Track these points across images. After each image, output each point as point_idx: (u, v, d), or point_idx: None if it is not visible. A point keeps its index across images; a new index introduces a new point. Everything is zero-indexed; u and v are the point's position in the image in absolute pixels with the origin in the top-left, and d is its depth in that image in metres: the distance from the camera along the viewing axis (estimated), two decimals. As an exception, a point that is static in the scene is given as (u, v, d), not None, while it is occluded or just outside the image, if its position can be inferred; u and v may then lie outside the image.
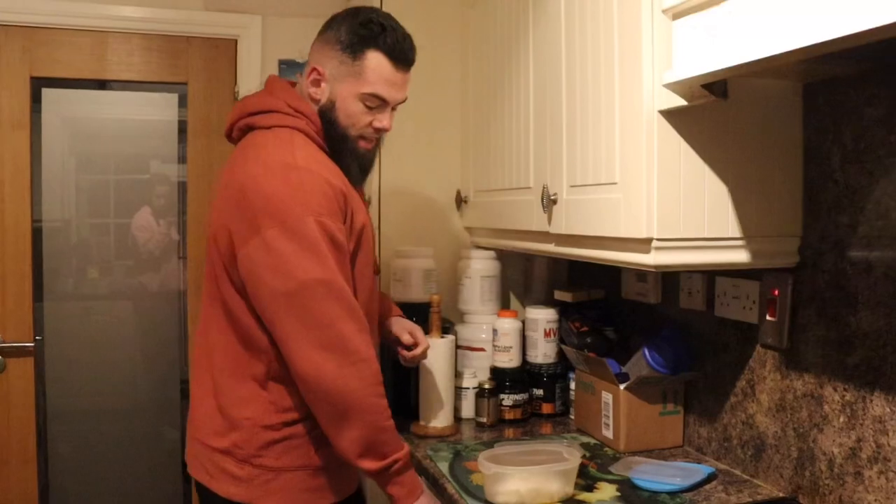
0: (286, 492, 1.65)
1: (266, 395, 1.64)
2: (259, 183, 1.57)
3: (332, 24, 1.74)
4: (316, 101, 1.72)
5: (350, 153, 1.73)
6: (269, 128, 1.69)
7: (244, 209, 1.57)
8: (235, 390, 1.65)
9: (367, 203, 1.85)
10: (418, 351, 2.00)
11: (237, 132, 1.76)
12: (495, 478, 1.64)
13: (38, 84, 2.83)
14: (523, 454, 1.73)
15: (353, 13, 1.73)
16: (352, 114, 1.70)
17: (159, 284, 3.19)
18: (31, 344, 2.76)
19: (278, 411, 1.64)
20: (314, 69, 1.71)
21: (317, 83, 1.71)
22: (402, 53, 1.71)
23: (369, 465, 1.57)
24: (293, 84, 1.79)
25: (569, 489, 1.67)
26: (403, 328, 2.03)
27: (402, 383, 2.32)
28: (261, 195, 1.56)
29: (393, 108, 1.76)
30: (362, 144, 1.75)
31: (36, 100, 2.83)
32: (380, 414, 1.56)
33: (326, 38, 1.72)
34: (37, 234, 2.83)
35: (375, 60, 1.68)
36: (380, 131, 1.75)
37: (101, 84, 3.00)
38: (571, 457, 1.69)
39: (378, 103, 1.71)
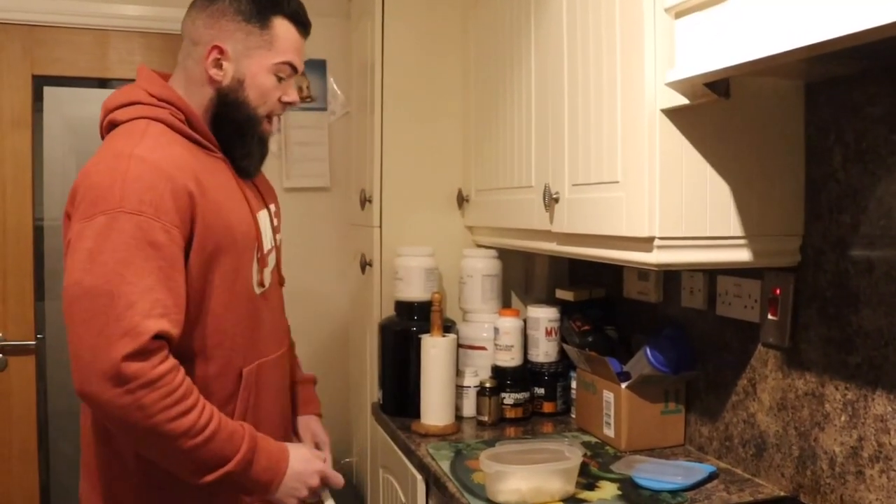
0: None
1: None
2: (88, 174, 1.39)
3: None
4: (216, 84, 1.54)
5: (255, 137, 1.60)
6: (126, 121, 1.49)
7: (72, 206, 1.40)
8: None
9: (261, 200, 1.67)
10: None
11: (104, 132, 1.54)
12: (497, 476, 1.64)
13: (40, 82, 2.83)
14: (525, 452, 1.73)
15: None
16: (265, 90, 1.56)
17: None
18: (33, 342, 2.77)
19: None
20: (215, 47, 1.52)
21: (218, 63, 1.54)
22: (304, 17, 1.61)
23: (208, 480, 1.37)
24: (166, 77, 1.62)
25: (570, 488, 1.67)
26: (310, 434, 1.81)
27: (404, 382, 2.33)
28: (84, 186, 1.38)
29: None
30: (266, 127, 1.61)
31: (38, 98, 2.83)
32: (179, 438, 1.33)
33: (219, 10, 1.54)
34: (38, 232, 2.83)
35: (283, 27, 1.57)
36: (288, 105, 1.63)
37: (103, 83, 3.00)
38: (573, 455, 1.69)
39: (289, 73, 1.59)
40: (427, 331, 2.22)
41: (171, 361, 1.34)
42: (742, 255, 1.60)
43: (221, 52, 1.53)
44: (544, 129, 1.95)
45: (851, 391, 1.53)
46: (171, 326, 1.34)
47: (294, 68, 1.60)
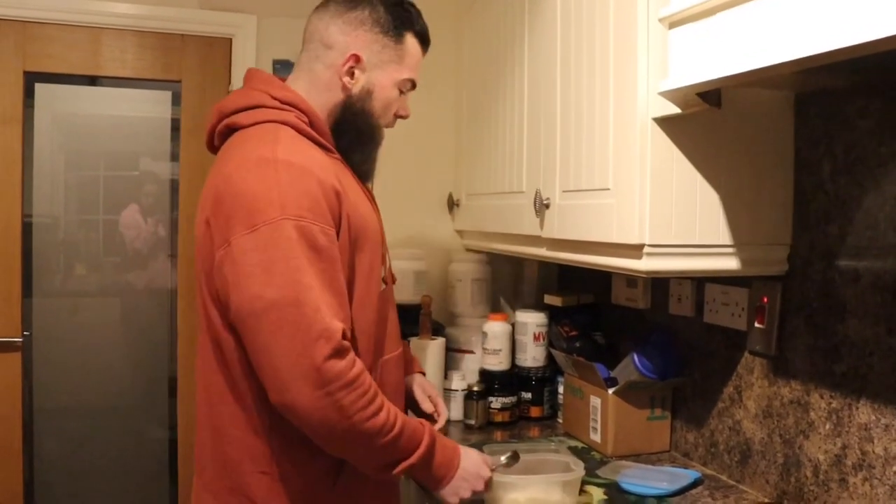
0: None
1: (274, 444, 1.42)
2: (232, 181, 1.35)
3: (357, 3, 1.55)
4: (346, 91, 1.53)
5: (377, 145, 1.60)
6: (251, 125, 1.46)
7: (217, 215, 1.36)
8: (243, 441, 1.42)
9: (371, 200, 1.62)
10: (440, 423, 1.75)
11: (218, 139, 1.52)
12: (498, 486, 1.60)
13: (32, 79, 2.82)
14: (524, 462, 1.68)
15: None
16: (389, 102, 1.58)
17: (147, 282, 3.17)
18: (19, 339, 2.75)
19: (291, 462, 1.42)
20: (353, 55, 1.52)
21: (351, 72, 1.53)
22: (428, 37, 1.63)
23: (391, 474, 1.41)
24: (283, 79, 1.58)
25: (570, 500, 1.63)
26: (424, 393, 1.79)
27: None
28: (231, 195, 1.34)
29: None
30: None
31: (29, 95, 2.81)
32: (374, 437, 1.34)
33: (358, 19, 1.54)
34: (26, 229, 2.82)
35: (413, 44, 1.58)
36: (401, 118, 1.64)
37: (94, 80, 2.99)
38: (577, 467, 1.65)
39: (409, 89, 1.62)
40: (416, 334, 2.23)
41: (361, 361, 1.35)
42: (730, 264, 1.61)
43: (358, 60, 1.52)
44: (536, 135, 1.96)
45: (836, 400, 1.55)
46: (345, 326, 1.34)
47: (414, 85, 1.62)
